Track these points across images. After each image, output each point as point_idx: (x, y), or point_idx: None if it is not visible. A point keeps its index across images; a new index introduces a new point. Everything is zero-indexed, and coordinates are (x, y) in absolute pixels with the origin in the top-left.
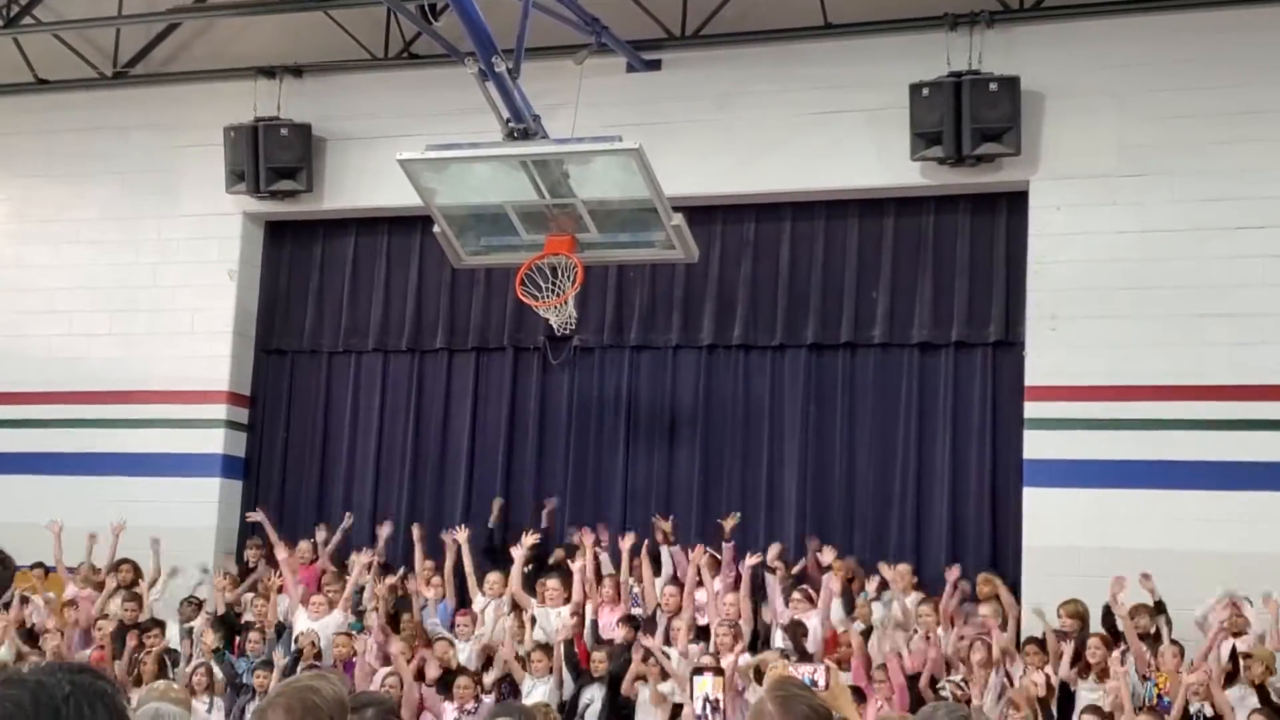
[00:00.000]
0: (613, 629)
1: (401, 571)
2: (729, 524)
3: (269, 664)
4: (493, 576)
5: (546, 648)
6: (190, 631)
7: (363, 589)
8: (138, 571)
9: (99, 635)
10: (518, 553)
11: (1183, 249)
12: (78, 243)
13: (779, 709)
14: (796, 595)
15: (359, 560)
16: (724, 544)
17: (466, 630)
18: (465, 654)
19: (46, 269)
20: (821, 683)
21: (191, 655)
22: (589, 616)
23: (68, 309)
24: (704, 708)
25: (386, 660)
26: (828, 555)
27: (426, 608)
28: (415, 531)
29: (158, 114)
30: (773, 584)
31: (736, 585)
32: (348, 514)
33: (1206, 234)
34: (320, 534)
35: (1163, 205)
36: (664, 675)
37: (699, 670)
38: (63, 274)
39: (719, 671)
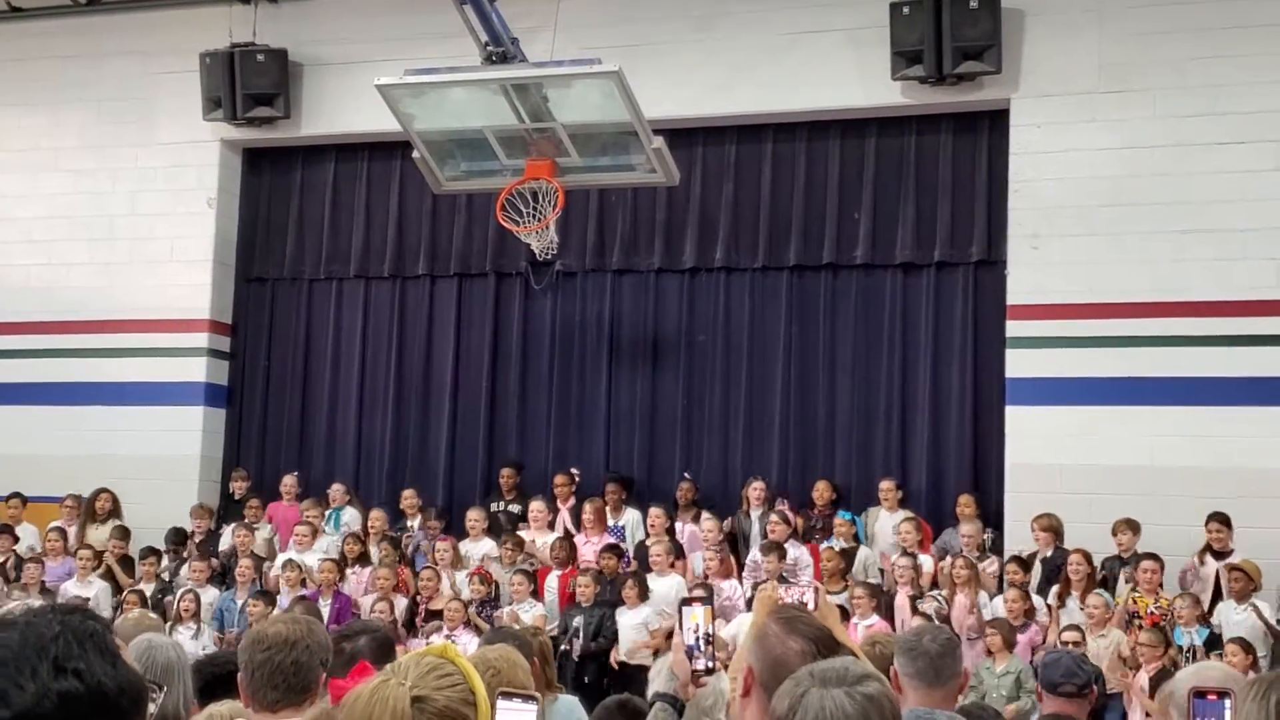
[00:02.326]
0: (594, 555)
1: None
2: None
3: (263, 594)
4: (473, 514)
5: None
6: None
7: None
8: (116, 502)
9: (80, 565)
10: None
11: (1164, 165)
12: (55, 171)
13: (784, 629)
14: (774, 518)
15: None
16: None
17: (447, 557)
18: (450, 582)
19: (23, 198)
20: (810, 603)
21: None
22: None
23: (45, 238)
24: (695, 640)
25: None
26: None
27: (412, 541)
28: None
29: (133, 40)
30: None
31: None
32: None
33: (1187, 150)
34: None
35: (1143, 122)
36: (642, 598)
37: (688, 601)
38: (40, 203)
39: (709, 601)
